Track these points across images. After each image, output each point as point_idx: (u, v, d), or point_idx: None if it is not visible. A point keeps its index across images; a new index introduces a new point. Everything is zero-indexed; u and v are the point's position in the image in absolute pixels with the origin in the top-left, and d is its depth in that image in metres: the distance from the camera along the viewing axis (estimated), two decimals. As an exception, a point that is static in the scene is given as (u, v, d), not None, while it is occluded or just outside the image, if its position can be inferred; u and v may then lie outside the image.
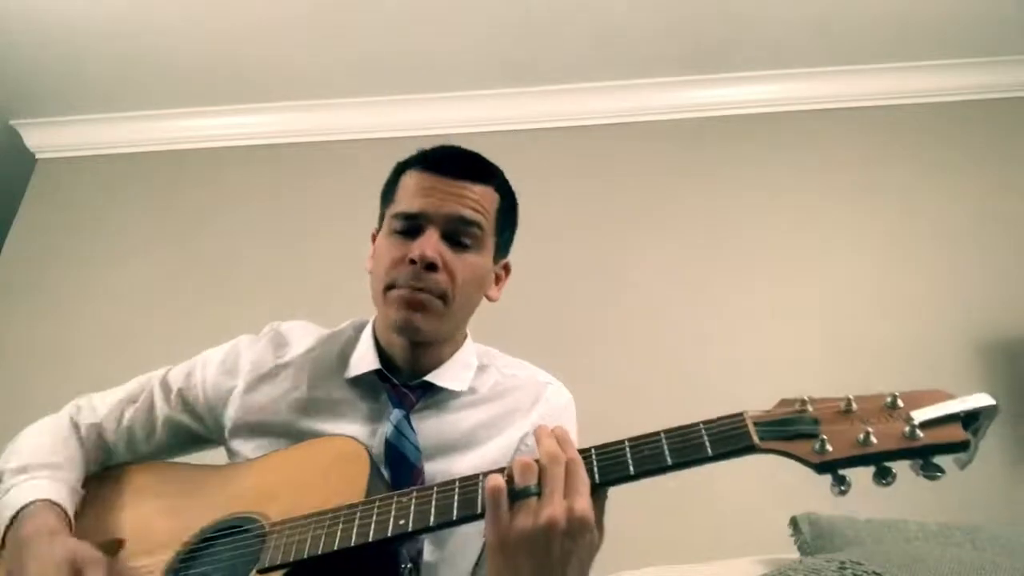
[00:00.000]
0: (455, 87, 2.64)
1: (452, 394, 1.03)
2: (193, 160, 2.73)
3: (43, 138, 2.77)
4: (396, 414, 0.98)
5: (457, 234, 0.99)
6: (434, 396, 1.02)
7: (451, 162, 1.02)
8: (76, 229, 2.62)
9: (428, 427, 0.99)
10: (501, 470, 0.73)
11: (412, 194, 0.99)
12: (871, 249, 2.38)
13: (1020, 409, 2.10)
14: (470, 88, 2.65)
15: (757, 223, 2.45)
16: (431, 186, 0.98)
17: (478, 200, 1.00)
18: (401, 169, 1.06)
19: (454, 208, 0.98)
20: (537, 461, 0.71)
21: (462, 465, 0.96)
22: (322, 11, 2.32)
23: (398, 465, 0.94)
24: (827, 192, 2.49)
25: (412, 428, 0.97)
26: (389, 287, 0.97)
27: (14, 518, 0.90)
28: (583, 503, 0.68)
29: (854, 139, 2.57)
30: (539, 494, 0.69)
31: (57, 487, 0.95)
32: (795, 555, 1.43)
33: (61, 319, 2.46)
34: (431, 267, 0.95)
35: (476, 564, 1.02)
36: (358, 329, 1.11)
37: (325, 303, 2.03)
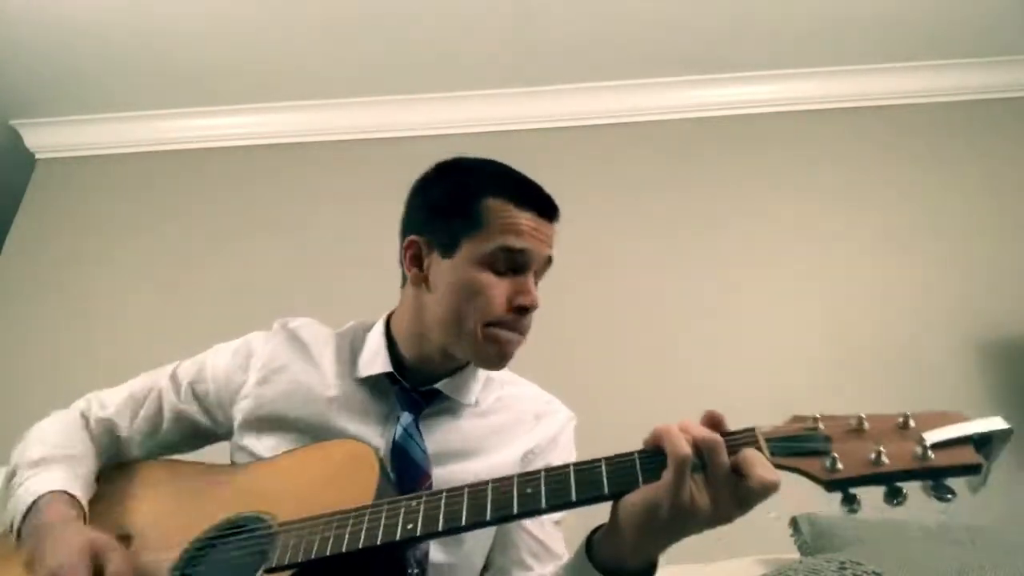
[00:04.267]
0: (455, 87, 2.64)
1: (460, 403, 1.05)
2: (193, 160, 2.74)
3: (43, 138, 2.77)
4: (405, 417, 0.99)
5: (539, 274, 1.03)
6: (443, 403, 1.04)
7: (543, 201, 1.03)
8: (76, 229, 2.62)
9: (436, 433, 1.00)
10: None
11: (512, 232, 0.98)
12: (871, 248, 2.39)
13: (1020, 409, 2.10)
14: (471, 88, 2.65)
15: (756, 222, 2.45)
16: (535, 228, 1.00)
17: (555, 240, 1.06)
18: (478, 191, 1.00)
19: (548, 253, 1.02)
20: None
21: (467, 473, 0.97)
22: (323, 12, 2.32)
23: (405, 467, 0.95)
24: (827, 191, 2.49)
25: (420, 432, 0.99)
26: (492, 324, 0.98)
27: (31, 508, 0.92)
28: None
29: (854, 139, 2.57)
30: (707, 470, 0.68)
31: (72, 479, 0.96)
32: (795, 555, 1.44)
33: (61, 319, 2.46)
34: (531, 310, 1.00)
35: (485, 565, 1.03)
36: (365, 329, 1.12)
37: (327, 302, 2.04)
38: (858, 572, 1.18)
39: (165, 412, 1.09)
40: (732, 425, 0.72)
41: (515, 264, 0.98)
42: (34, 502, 0.92)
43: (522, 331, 1.00)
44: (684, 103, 2.66)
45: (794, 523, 1.49)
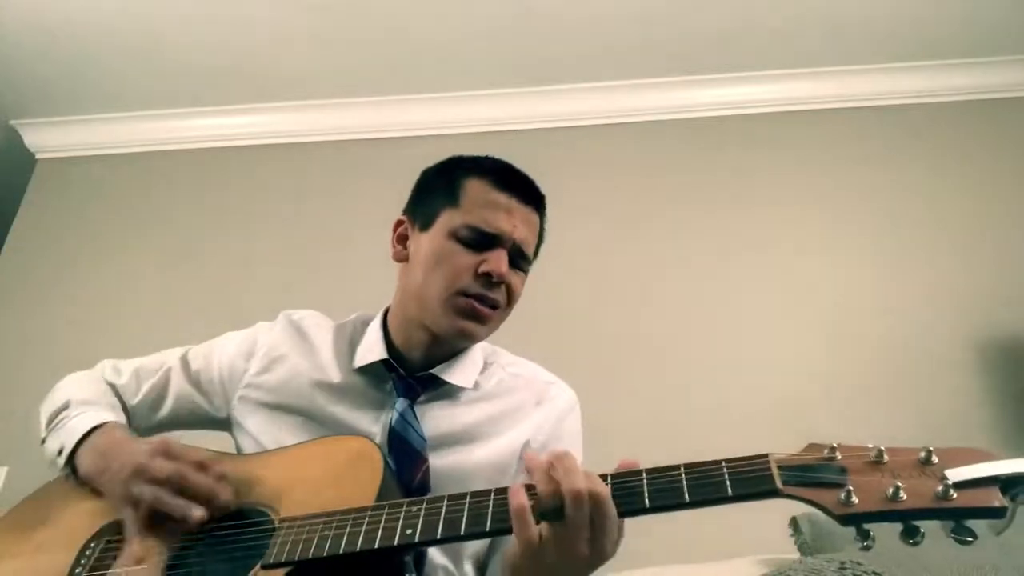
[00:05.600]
0: (455, 87, 2.64)
1: (457, 388, 1.05)
2: (193, 160, 2.73)
3: (43, 138, 2.77)
4: (401, 403, 1.00)
5: (517, 257, 1.05)
6: (439, 389, 1.04)
7: (524, 187, 1.08)
8: (76, 229, 2.62)
9: (432, 418, 1.01)
10: (529, 487, 0.73)
11: (487, 209, 1.02)
12: (872, 248, 2.38)
13: (1020, 409, 2.10)
14: (470, 88, 2.65)
15: (756, 222, 2.45)
16: (508, 208, 1.03)
17: (536, 228, 1.09)
18: (462, 172, 1.07)
19: (524, 235, 1.05)
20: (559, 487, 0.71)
21: (468, 459, 0.98)
22: (322, 11, 2.32)
23: (402, 453, 0.95)
24: (827, 191, 2.49)
25: (416, 417, 0.99)
26: (458, 293, 1.00)
27: (88, 434, 0.97)
28: (610, 542, 0.71)
29: (854, 139, 2.57)
30: (564, 521, 0.69)
31: (121, 419, 1.04)
32: (795, 555, 1.43)
33: (61, 319, 2.45)
34: (499, 283, 1.01)
35: (489, 548, 1.02)
36: (365, 322, 1.14)
37: (327, 302, 2.03)
38: (858, 572, 1.18)
39: (170, 391, 1.12)
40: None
41: (482, 241, 1.01)
42: (92, 428, 0.97)
43: (491, 303, 1.02)
44: (684, 103, 2.66)
45: (794, 523, 1.49)
